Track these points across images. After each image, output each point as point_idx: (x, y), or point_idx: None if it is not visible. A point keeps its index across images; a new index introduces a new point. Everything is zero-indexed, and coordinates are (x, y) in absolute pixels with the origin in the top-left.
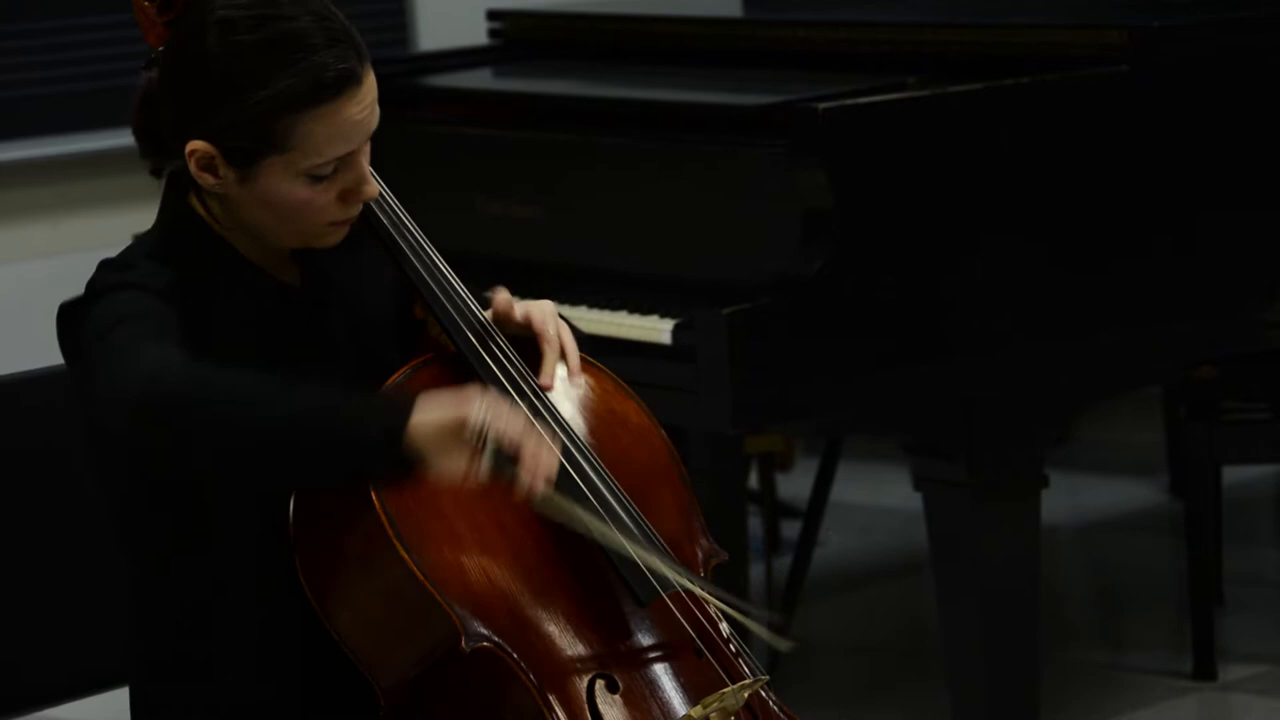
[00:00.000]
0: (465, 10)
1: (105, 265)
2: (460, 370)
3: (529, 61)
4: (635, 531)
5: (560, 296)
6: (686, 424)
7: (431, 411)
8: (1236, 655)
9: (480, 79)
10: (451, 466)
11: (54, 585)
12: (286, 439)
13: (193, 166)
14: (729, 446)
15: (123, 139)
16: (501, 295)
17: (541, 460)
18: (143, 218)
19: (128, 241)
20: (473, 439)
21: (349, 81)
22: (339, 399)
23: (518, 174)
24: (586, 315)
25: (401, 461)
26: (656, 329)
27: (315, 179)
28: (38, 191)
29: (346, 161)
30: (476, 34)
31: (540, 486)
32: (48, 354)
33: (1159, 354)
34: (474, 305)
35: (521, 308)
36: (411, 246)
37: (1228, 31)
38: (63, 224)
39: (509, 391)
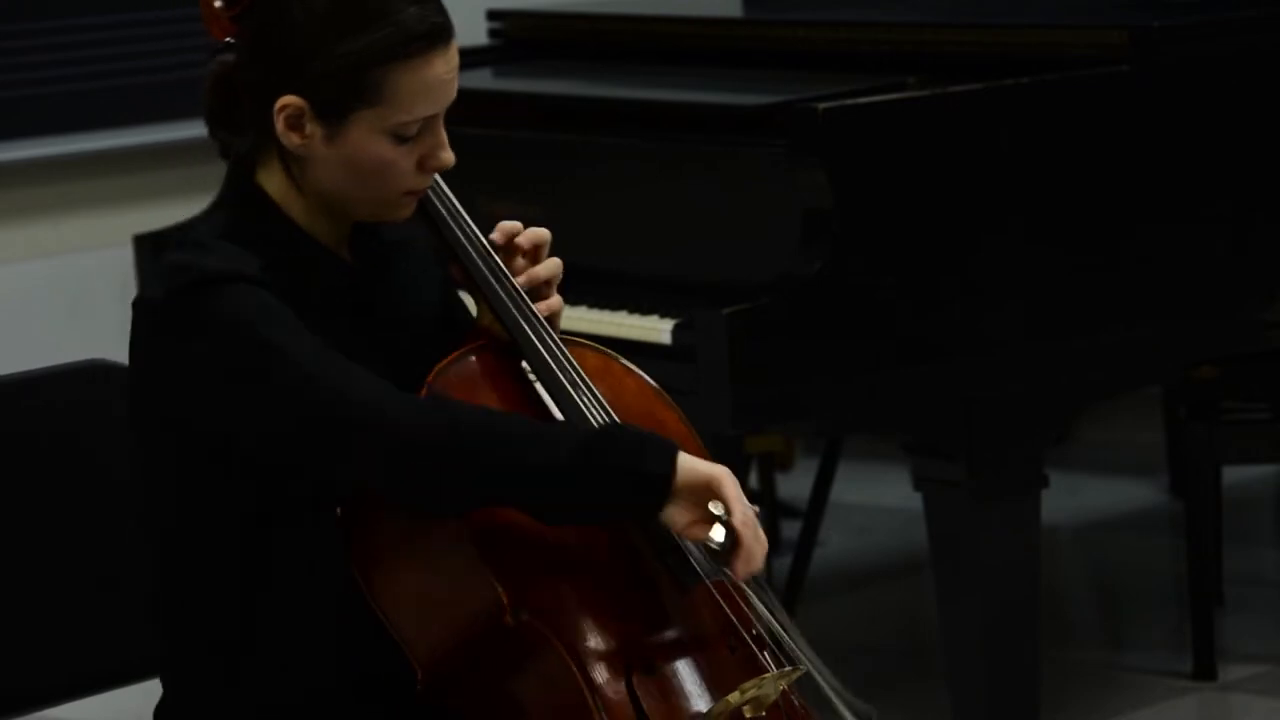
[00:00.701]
0: (465, 10)
1: (185, 246)
2: (512, 358)
3: (529, 61)
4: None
5: (561, 296)
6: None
7: (692, 462)
8: (1236, 655)
9: (480, 79)
10: (680, 517)
11: (54, 585)
12: (562, 477)
13: (280, 124)
14: (729, 446)
15: (123, 139)
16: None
17: (756, 556)
18: (143, 218)
19: (128, 242)
20: (713, 506)
21: (440, 36)
22: (605, 433)
23: (518, 174)
24: (586, 315)
25: (661, 502)
26: (656, 329)
27: (400, 139)
28: (38, 191)
29: (429, 125)
30: (476, 34)
31: (745, 576)
32: (48, 354)
33: (1159, 354)
34: (525, 296)
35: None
36: (467, 236)
37: (1228, 31)
38: (63, 224)
39: (560, 380)
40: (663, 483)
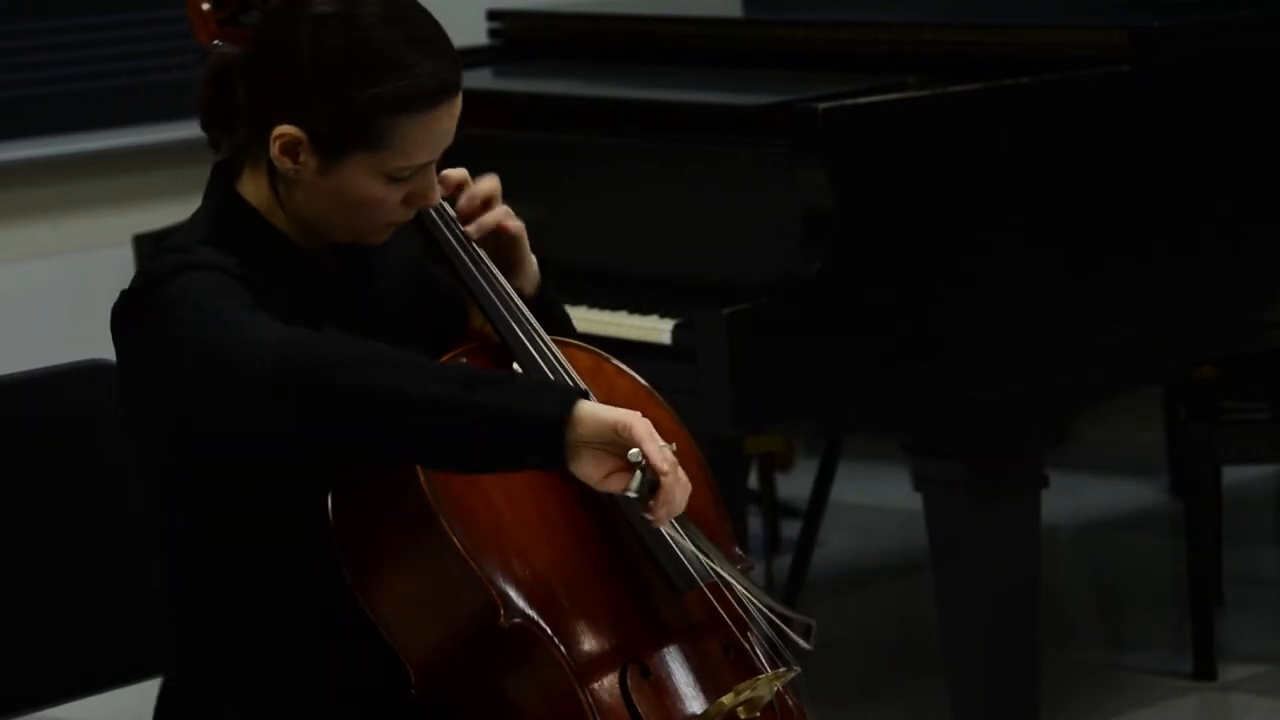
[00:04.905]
0: (465, 10)
1: (164, 250)
2: (503, 360)
3: (529, 61)
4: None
5: (561, 296)
6: (686, 424)
7: (598, 408)
8: (1236, 655)
9: (480, 79)
10: (594, 469)
11: (54, 585)
12: (451, 414)
13: (275, 149)
14: (729, 446)
15: (123, 139)
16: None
17: (675, 498)
18: (143, 217)
19: (128, 242)
20: (626, 454)
21: (451, 91)
22: (505, 376)
23: (518, 174)
24: (586, 315)
25: (559, 446)
26: (656, 329)
27: (393, 180)
28: (38, 191)
29: (423, 168)
30: (476, 34)
31: (666, 520)
32: (48, 354)
33: (1159, 354)
34: (517, 299)
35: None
36: (457, 238)
37: (1228, 31)
38: (63, 224)
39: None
40: (556, 426)
